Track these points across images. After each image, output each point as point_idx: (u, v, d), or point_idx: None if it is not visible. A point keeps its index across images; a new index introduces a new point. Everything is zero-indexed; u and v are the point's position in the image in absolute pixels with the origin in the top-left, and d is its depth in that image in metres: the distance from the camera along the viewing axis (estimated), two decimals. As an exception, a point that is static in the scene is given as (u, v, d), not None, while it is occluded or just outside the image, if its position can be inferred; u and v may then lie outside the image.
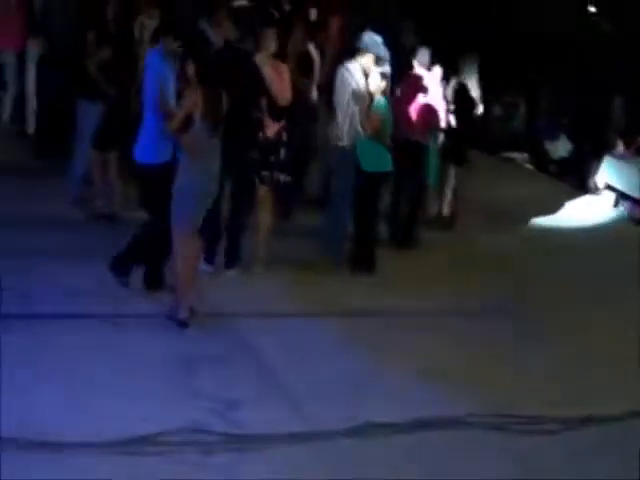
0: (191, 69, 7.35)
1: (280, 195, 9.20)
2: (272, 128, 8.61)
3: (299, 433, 6.02)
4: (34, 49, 12.10)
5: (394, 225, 10.72)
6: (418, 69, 10.61)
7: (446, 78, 11.07)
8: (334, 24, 17.86)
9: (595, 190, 15.34)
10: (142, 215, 8.06)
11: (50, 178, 10.26)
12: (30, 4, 12.35)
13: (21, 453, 5.35)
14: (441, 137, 10.97)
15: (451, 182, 11.62)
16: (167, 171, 7.51)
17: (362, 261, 9.46)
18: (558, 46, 18.71)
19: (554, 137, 17.32)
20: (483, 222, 12.12)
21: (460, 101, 11.15)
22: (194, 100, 7.29)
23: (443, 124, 10.75)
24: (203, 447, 5.71)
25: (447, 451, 6.12)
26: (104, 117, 9.43)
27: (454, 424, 6.46)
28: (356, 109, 9.22)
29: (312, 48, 11.22)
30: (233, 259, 8.74)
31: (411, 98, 10.46)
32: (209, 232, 8.06)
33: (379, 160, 9.33)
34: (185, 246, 7.45)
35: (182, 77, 7.45)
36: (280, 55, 9.13)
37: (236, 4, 11.51)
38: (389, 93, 9.67)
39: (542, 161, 17.34)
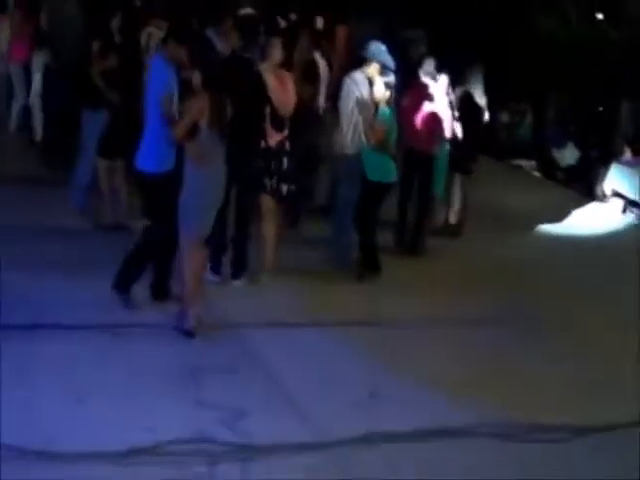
0: (197, 77, 7.35)
1: (284, 204, 9.20)
2: (274, 137, 8.59)
3: (306, 443, 6.00)
4: (40, 59, 12.17)
5: (401, 234, 10.71)
6: (424, 78, 10.60)
7: (452, 86, 11.03)
8: (341, 33, 17.91)
9: (603, 197, 15.30)
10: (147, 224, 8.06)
11: (57, 187, 10.29)
12: (36, 15, 12.43)
13: (22, 463, 5.34)
14: (447, 146, 10.90)
15: (458, 190, 11.59)
16: (169, 180, 7.49)
17: (367, 266, 9.47)
18: (566, 53, 18.72)
19: (561, 144, 17.29)
20: (491, 230, 12.08)
21: (466, 110, 11.11)
22: (200, 107, 7.28)
23: (448, 133, 10.71)
24: (209, 457, 5.69)
25: (455, 460, 6.09)
26: (110, 125, 9.43)
27: (462, 433, 6.42)
28: (360, 118, 9.22)
29: (318, 57, 11.22)
30: (240, 269, 8.73)
31: (417, 107, 10.46)
32: (215, 242, 8.05)
33: (384, 170, 9.32)
34: (192, 255, 7.44)
35: (186, 84, 7.43)
36: (286, 64, 9.13)
37: (242, 13, 11.51)
38: (395, 103, 9.64)
39: (549, 168, 17.31)
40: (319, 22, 17.72)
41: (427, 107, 10.48)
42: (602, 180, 15.44)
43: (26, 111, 12.96)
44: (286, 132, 8.70)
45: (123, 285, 7.73)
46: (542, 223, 13.08)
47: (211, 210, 7.48)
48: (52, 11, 11.85)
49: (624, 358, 8.05)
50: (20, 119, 13.23)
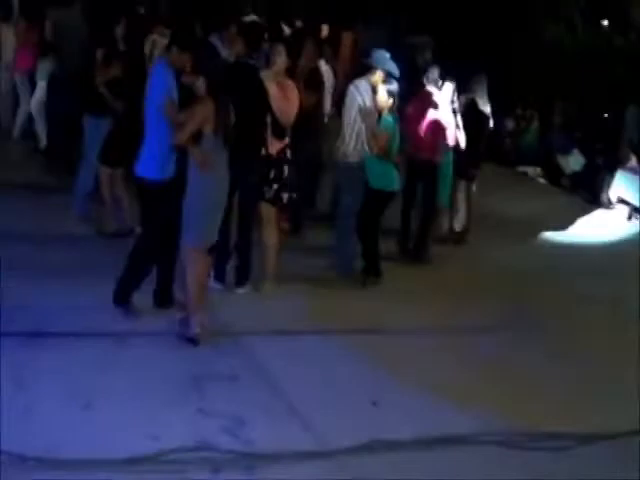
0: (201, 83, 7.35)
1: (286, 212, 9.20)
2: (275, 146, 8.59)
3: (309, 451, 5.99)
4: (45, 67, 12.21)
5: (404, 241, 10.70)
6: (428, 86, 10.59)
7: (457, 94, 11.02)
8: (346, 40, 17.97)
9: (608, 204, 15.29)
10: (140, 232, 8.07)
11: (60, 194, 10.31)
12: (41, 24, 12.47)
13: (23, 470, 5.34)
14: (451, 154, 10.88)
15: (462, 197, 11.57)
16: (169, 187, 7.49)
17: (369, 273, 9.49)
18: (571, 60, 18.72)
19: (567, 151, 17.28)
20: (496, 237, 12.07)
21: (470, 117, 11.10)
22: (205, 113, 7.28)
23: (452, 141, 10.70)
24: (212, 465, 5.68)
25: (458, 469, 6.07)
26: (113, 133, 9.45)
27: (465, 441, 6.42)
28: (363, 126, 9.23)
29: (323, 64, 11.23)
30: (243, 277, 8.71)
31: (421, 115, 10.45)
32: (218, 250, 8.05)
33: (386, 178, 9.33)
34: (196, 262, 7.45)
35: (188, 90, 7.43)
36: (290, 72, 9.13)
37: (247, 19, 11.55)
38: (399, 110, 9.64)
39: (555, 175, 17.30)
40: (324, 29, 17.81)
41: (431, 115, 10.47)
42: (607, 187, 15.44)
43: (31, 119, 13.00)
44: (287, 140, 8.68)
45: (122, 295, 7.73)
46: (547, 230, 13.07)
47: (215, 216, 7.47)
48: (56, 19, 11.87)
49: (628, 366, 8.03)
50: (24, 127, 13.27)
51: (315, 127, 10.37)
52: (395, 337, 8.17)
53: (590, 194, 15.80)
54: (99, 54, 9.54)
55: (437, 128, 10.46)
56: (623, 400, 7.33)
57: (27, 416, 5.94)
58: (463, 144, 10.86)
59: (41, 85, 12.47)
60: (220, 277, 8.61)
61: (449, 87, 10.76)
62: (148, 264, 7.78)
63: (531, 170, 17.76)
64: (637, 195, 14.63)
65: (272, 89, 8.44)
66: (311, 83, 10.21)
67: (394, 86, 9.35)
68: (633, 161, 15.63)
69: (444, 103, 10.60)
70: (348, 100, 9.40)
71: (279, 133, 8.57)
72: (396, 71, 9.45)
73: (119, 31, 9.63)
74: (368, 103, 9.25)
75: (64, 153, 11.64)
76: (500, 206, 13.61)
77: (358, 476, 5.82)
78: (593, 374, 7.87)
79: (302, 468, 5.83)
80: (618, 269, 11.17)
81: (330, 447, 6.08)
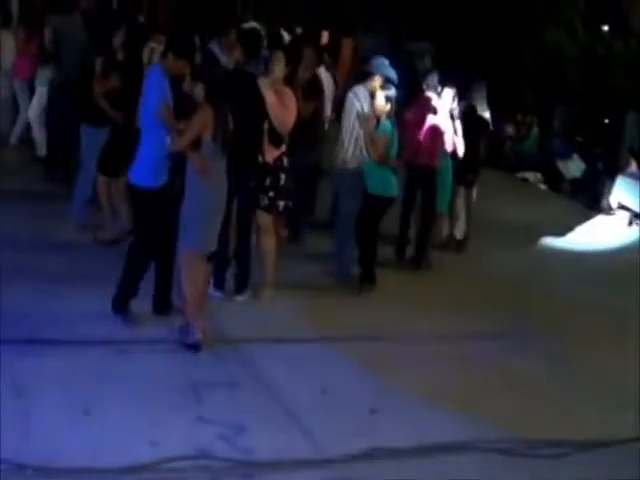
0: (200, 89, 7.36)
1: (283, 220, 9.21)
2: (272, 153, 8.59)
3: (308, 460, 5.98)
4: (45, 74, 12.22)
5: (402, 247, 10.69)
6: (428, 92, 10.60)
7: (457, 100, 11.01)
8: (346, 46, 17.99)
9: (609, 210, 15.29)
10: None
11: (59, 201, 10.29)
12: (40, 32, 12.49)
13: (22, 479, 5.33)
14: (449, 160, 10.86)
15: (462, 204, 11.56)
16: (162, 194, 7.50)
17: (364, 279, 9.48)
18: (571, 65, 18.74)
19: (567, 156, 17.30)
20: (496, 243, 12.07)
21: (470, 123, 11.10)
22: (204, 120, 7.29)
23: (449, 147, 10.69)
24: (211, 473, 5.67)
25: (458, 477, 6.05)
26: (111, 142, 9.45)
27: (465, 449, 6.41)
28: (361, 132, 9.24)
29: (322, 71, 11.23)
30: (242, 284, 8.71)
31: (420, 121, 10.46)
32: (218, 257, 8.05)
33: (385, 184, 9.33)
34: (194, 268, 7.45)
35: (186, 97, 7.44)
36: (289, 80, 9.14)
37: (246, 26, 11.55)
38: (397, 116, 9.65)
39: (555, 181, 17.31)
40: (324, 36, 17.84)
41: (430, 120, 10.47)
42: (608, 192, 15.45)
43: (29, 126, 13.02)
44: (283, 148, 8.68)
45: (121, 302, 7.73)
46: (547, 236, 13.06)
47: (214, 223, 7.47)
48: (56, 26, 11.87)
49: (627, 373, 8.01)
50: (23, 134, 13.28)
51: (314, 135, 10.35)
52: (394, 344, 8.15)
53: (590, 200, 15.81)
54: (98, 64, 9.55)
55: (436, 133, 10.46)
56: (623, 407, 7.33)
57: (26, 424, 5.92)
58: (461, 151, 10.84)
59: (41, 91, 12.47)
60: (219, 285, 8.60)
61: (448, 93, 10.76)
62: (142, 270, 7.77)
63: (531, 176, 17.77)
64: (637, 201, 14.64)
65: (270, 97, 8.44)
66: (310, 91, 10.20)
67: (392, 92, 9.37)
68: (633, 167, 15.65)
69: (443, 109, 10.59)
70: (347, 106, 9.43)
71: (276, 141, 8.57)
72: (394, 77, 9.47)
73: (117, 40, 9.62)
74: (366, 109, 9.27)
75: (63, 161, 11.65)
76: (500, 212, 13.61)
77: (358, 484, 5.82)
78: (593, 381, 7.87)
79: (301, 476, 5.83)
80: (618, 275, 11.17)
81: (329, 455, 6.06)
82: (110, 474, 5.50)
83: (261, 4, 20.48)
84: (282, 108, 8.53)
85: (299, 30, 16.13)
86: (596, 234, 13.86)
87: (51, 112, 12.03)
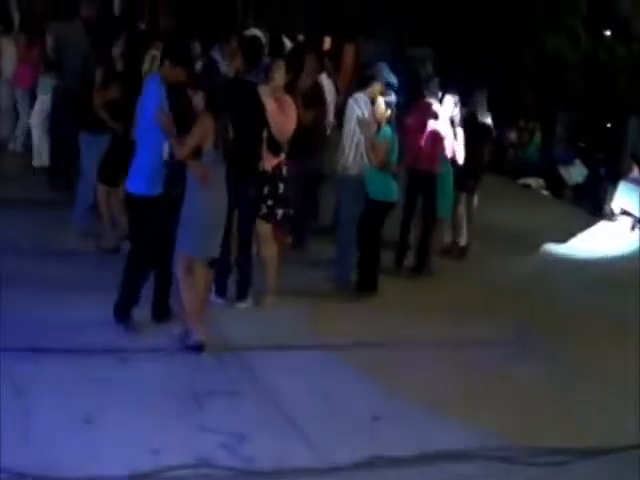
0: (200, 98, 7.36)
1: (286, 227, 9.22)
2: (271, 161, 8.59)
3: (309, 468, 5.97)
4: (46, 82, 12.23)
5: (402, 254, 10.67)
6: (428, 98, 10.60)
7: (458, 105, 11.00)
8: (348, 51, 18.00)
9: (611, 215, 15.28)
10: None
11: (61, 209, 10.30)
12: (42, 39, 12.51)
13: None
14: (449, 166, 10.84)
15: (464, 210, 11.53)
16: (158, 203, 7.51)
17: (364, 286, 9.48)
18: (574, 71, 18.74)
19: (569, 162, 17.30)
20: (498, 249, 12.07)
21: (471, 129, 11.09)
22: (205, 129, 7.30)
23: (449, 153, 10.68)
24: (212, 482, 5.67)
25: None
26: (111, 152, 9.45)
27: (467, 457, 6.39)
28: (362, 138, 9.25)
29: (324, 78, 11.24)
30: (243, 291, 8.70)
31: (420, 127, 10.45)
32: (219, 265, 8.05)
33: (385, 189, 9.34)
34: (194, 273, 7.45)
35: (184, 105, 7.44)
36: (290, 87, 9.15)
37: (248, 33, 11.56)
38: (398, 122, 9.66)
39: (558, 187, 17.31)
40: (326, 42, 17.85)
41: (430, 126, 10.46)
42: (610, 198, 15.44)
43: (30, 133, 13.03)
44: (282, 157, 8.68)
45: (122, 310, 7.73)
46: (549, 242, 13.05)
47: (215, 231, 7.48)
48: (58, 33, 11.89)
49: (628, 381, 7.99)
50: (25, 141, 13.29)
51: (315, 142, 10.35)
52: (396, 351, 8.15)
53: (593, 205, 15.81)
54: (97, 74, 9.55)
55: (436, 139, 10.45)
56: (623, 414, 7.31)
57: (27, 433, 5.92)
58: (461, 157, 10.81)
59: (42, 99, 12.47)
60: (221, 292, 8.60)
61: (450, 100, 10.75)
62: (141, 278, 7.78)
63: (533, 182, 17.77)
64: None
65: (270, 104, 8.44)
66: (311, 98, 10.20)
67: (392, 98, 9.38)
68: (635, 172, 15.66)
69: (444, 115, 10.59)
70: (347, 113, 9.46)
71: (275, 149, 8.56)
72: (394, 81, 9.49)
73: (117, 50, 9.63)
74: (367, 115, 9.28)
75: (64, 169, 11.66)
76: (502, 218, 13.60)
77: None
78: (593, 388, 7.84)
79: (303, 485, 5.83)
80: (620, 283, 11.15)
81: (331, 463, 6.05)
82: (110, 482, 5.50)
83: (262, 10, 20.49)
84: (282, 116, 8.53)
85: (301, 36, 16.15)
86: (598, 240, 13.84)
87: (54, 119, 12.04)
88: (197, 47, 13.27)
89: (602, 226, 14.77)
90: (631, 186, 15.13)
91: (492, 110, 11.82)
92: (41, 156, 12.67)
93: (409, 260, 10.66)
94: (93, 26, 11.34)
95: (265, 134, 8.44)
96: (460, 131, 10.81)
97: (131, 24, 12.30)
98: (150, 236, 7.60)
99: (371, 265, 9.54)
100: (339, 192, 9.82)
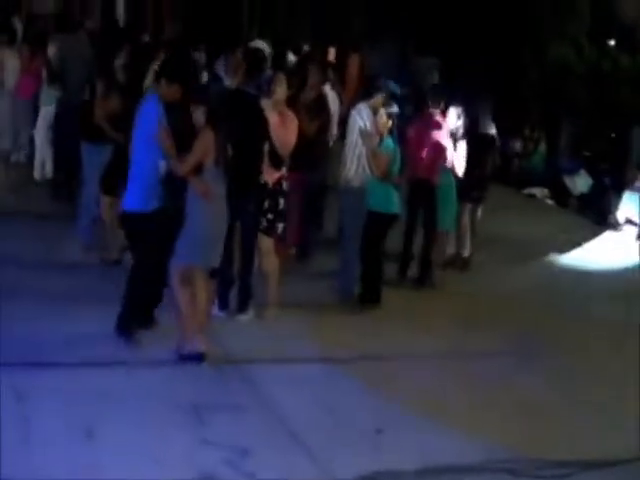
0: (201, 113, 7.37)
1: (285, 241, 9.22)
2: (272, 175, 8.59)
3: (312, 482, 5.95)
4: (51, 93, 12.25)
5: (405, 265, 10.64)
6: (431, 108, 10.58)
7: (465, 115, 10.99)
8: (352, 62, 18.00)
9: (616, 225, 15.24)
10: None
11: (64, 221, 10.31)
12: (44, 50, 12.54)
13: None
14: (451, 176, 10.82)
15: (468, 221, 11.50)
16: (155, 218, 7.53)
17: (368, 298, 9.45)
18: (578, 80, 18.74)
19: (574, 172, 17.27)
20: (502, 259, 12.04)
21: (475, 139, 11.08)
22: (206, 145, 7.31)
23: (450, 164, 10.66)
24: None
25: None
26: (113, 162, 9.45)
27: (471, 470, 6.35)
28: (364, 149, 9.25)
29: (328, 89, 11.24)
30: (244, 303, 8.68)
31: (422, 137, 10.44)
32: (222, 278, 8.04)
33: (387, 201, 9.33)
34: (190, 285, 7.47)
35: (184, 122, 7.44)
36: (293, 100, 9.15)
37: (251, 46, 11.58)
38: (400, 133, 9.66)
39: (562, 196, 17.28)
40: (331, 53, 17.86)
41: (433, 137, 10.44)
42: (615, 208, 15.39)
43: (32, 145, 13.04)
44: (284, 171, 8.69)
45: (124, 323, 7.73)
46: (554, 252, 12.98)
47: (215, 245, 7.50)
48: (61, 46, 11.92)
49: (633, 392, 7.95)
50: (28, 153, 13.30)
51: (318, 153, 10.35)
52: (399, 364, 8.12)
53: (598, 215, 15.75)
54: (99, 86, 9.58)
55: (437, 150, 10.42)
56: (628, 426, 7.25)
57: (28, 445, 5.93)
58: (459, 169, 10.78)
59: (46, 110, 12.48)
60: (224, 305, 8.60)
61: (453, 112, 10.75)
62: (145, 292, 7.78)
63: (538, 191, 17.72)
64: (645, 216, 14.60)
65: (273, 118, 8.45)
66: (315, 109, 10.21)
67: (394, 109, 9.39)
68: (640, 181, 15.60)
69: (446, 127, 10.58)
70: (350, 124, 9.47)
71: (276, 162, 8.56)
72: (397, 92, 9.51)
73: (119, 62, 9.65)
74: (369, 126, 9.28)
75: (67, 181, 11.67)
76: (507, 228, 13.54)
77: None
78: (598, 399, 7.79)
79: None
80: (625, 292, 11.10)
81: (334, 477, 6.04)
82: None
83: (267, 21, 20.54)
84: (284, 129, 8.54)
85: (306, 47, 16.15)
86: (603, 250, 13.79)
87: (57, 131, 12.06)
88: (202, 57, 13.33)
89: (607, 236, 14.70)
90: (636, 196, 15.08)
91: (497, 120, 11.81)
92: (43, 168, 12.68)
93: (412, 271, 10.62)
94: (97, 38, 11.37)
95: (267, 147, 8.44)
96: (462, 144, 10.79)
97: (135, 36, 12.32)
98: (151, 251, 7.60)
99: (374, 277, 9.52)
100: (342, 204, 9.81)
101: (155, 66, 10.28)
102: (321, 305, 9.27)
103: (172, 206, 7.48)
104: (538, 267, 12.30)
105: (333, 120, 11.33)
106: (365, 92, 9.74)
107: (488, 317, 9.62)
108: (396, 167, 9.43)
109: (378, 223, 9.34)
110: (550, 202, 17.45)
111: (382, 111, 9.30)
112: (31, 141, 13.02)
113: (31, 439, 6.02)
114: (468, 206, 11.43)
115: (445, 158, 10.51)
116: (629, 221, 15.02)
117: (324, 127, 10.60)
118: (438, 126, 10.47)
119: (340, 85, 13.20)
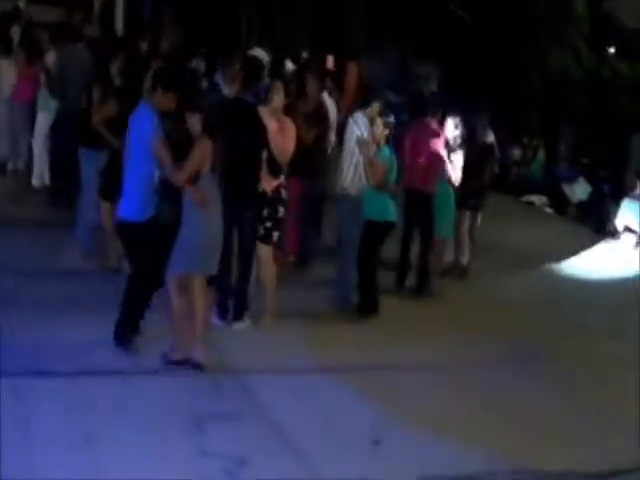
0: (196, 122, 7.36)
1: (282, 249, 9.21)
2: (270, 183, 8.58)
3: (309, 492, 5.95)
4: (48, 99, 12.23)
5: (403, 274, 10.62)
6: (429, 118, 10.58)
7: (463, 124, 11.00)
8: (351, 70, 17.99)
9: (615, 233, 15.25)
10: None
11: (63, 229, 10.30)
12: (40, 56, 12.54)
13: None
14: (448, 185, 10.81)
15: (466, 229, 11.49)
16: (150, 227, 7.52)
17: (365, 307, 9.43)
18: (577, 88, 18.76)
19: (572, 180, 17.29)
20: (501, 267, 12.04)
21: (474, 148, 11.08)
22: (203, 153, 7.31)
23: (448, 173, 10.67)
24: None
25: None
26: (111, 167, 9.44)
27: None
28: (361, 158, 9.25)
29: (326, 97, 11.23)
30: (240, 311, 8.66)
31: (418, 146, 10.44)
32: (220, 286, 8.02)
33: (383, 209, 9.33)
34: (187, 294, 7.46)
35: (179, 131, 7.44)
36: (291, 109, 9.15)
37: (250, 54, 11.57)
38: (397, 141, 9.66)
39: (561, 204, 17.29)
40: (329, 61, 17.85)
41: (430, 145, 10.44)
42: (614, 215, 15.41)
43: (30, 152, 13.02)
44: (282, 179, 8.68)
45: (122, 332, 7.71)
46: (553, 260, 13.00)
47: (211, 250, 7.50)
48: (60, 54, 11.91)
49: (632, 401, 7.93)
50: (26, 160, 13.28)
51: (317, 161, 10.34)
52: (396, 373, 8.08)
53: (596, 223, 15.78)
54: (96, 91, 9.58)
55: (434, 159, 10.43)
56: (628, 436, 7.25)
57: (27, 454, 5.91)
58: (455, 178, 10.78)
59: (42, 117, 12.46)
60: (223, 314, 8.58)
61: (451, 122, 10.76)
62: (142, 300, 7.77)
63: (537, 199, 17.75)
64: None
65: (271, 126, 8.45)
66: (313, 117, 10.21)
67: (391, 118, 9.38)
68: (639, 189, 15.61)
69: (442, 134, 10.59)
70: (347, 132, 9.49)
71: (275, 170, 8.55)
72: (395, 101, 9.52)
73: (115, 68, 9.66)
74: (365, 135, 9.28)
75: (65, 187, 11.65)
76: (506, 235, 13.54)
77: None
78: (597, 409, 7.79)
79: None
80: (624, 300, 11.10)
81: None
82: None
83: (266, 29, 20.53)
84: (282, 137, 8.54)
85: (304, 55, 16.15)
86: (602, 258, 13.79)
87: (55, 138, 12.04)
88: (201, 66, 13.32)
89: (606, 244, 14.72)
90: (635, 203, 15.09)
91: (495, 128, 11.82)
92: (42, 175, 12.66)
93: (410, 280, 10.61)
94: (96, 46, 11.37)
95: (265, 155, 8.44)
96: (458, 153, 10.80)
97: (132, 43, 12.30)
98: (148, 259, 7.59)
99: (370, 286, 9.51)
100: (339, 213, 9.80)
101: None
102: (319, 313, 9.25)
103: (168, 214, 7.46)
104: (537, 275, 12.30)
105: (331, 128, 11.32)
106: (363, 101, 9.76)
107: (486, 326, 9.62)
108: (392, 176, 9.43)
109: (375, 232, 9.33)
110: (549, 210, 17.48)
111: (379, 120, 9.31)
112: (29, 148, 12.98)
113: (29, 447, 6.00)
114: (467, 214, 11.43)
115: (442, 167, 10.51)
116: (628, 229, 15.03)
117: (322, 135, 10.58)
118: (435, 135, 10.48)
119: (338, 93, 13.19)
